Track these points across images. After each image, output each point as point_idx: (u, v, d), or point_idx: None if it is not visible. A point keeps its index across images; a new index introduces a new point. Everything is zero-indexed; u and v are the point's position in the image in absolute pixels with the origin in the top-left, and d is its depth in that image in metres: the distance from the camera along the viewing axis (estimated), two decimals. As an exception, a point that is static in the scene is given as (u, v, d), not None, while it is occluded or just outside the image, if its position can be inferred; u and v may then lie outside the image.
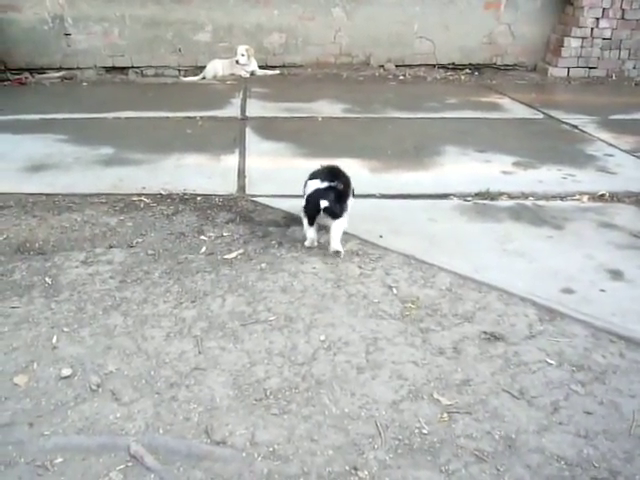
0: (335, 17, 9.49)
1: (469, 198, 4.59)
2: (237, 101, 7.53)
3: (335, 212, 3.51)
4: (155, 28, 9.26)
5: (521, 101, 7.73)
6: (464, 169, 5.18)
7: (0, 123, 6.38)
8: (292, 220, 4.17)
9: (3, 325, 3.06)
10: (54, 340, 2.96)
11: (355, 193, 3.93)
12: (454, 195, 4.64)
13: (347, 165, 4.82)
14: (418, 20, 9.60)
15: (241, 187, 4.70)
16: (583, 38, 9.25)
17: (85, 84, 8.66)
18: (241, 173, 4.96)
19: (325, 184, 3.53)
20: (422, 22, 9.60)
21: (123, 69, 9.43)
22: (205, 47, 9.48)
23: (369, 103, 7.45)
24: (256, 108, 7.15)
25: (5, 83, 8.68)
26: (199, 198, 4.49)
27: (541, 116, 7.04)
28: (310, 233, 3.70)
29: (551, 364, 2.87)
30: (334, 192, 3.50)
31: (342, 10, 9.47)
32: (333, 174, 3.63)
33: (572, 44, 9.33)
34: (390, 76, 9.40)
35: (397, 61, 9.76)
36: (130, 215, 4.22)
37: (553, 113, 7.09)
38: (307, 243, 3.78)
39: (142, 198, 4.46)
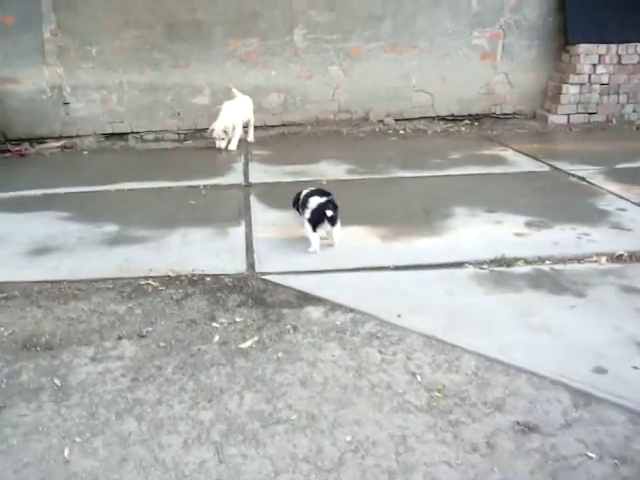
0: (332, 75, 9.51)
1: (485, 266, 4.47)
2: (239, 166, 7.48)
3: (336, 219, 4.60)
4: (153, 93, 9.26)
5: (524, 152, 7.67)
6: (476, 232, 5.07)
7: (1, 201, 6.25)
8: (305, 300, 4.05)
9: (12, 437, 2.91)
10: (66, 453, 2.81)
11: (368, 265, 4.37)
12: (469, 263, 4.52)
13: (357, 234, 4.79)
14: (415, 74, 9.61)
15: (250, 264, 4.57)
16: (581, 84, 9.25)
17: (85, 152, 8.62)
18: (249, 248, 4.85)
19: (324, 198, 4.56)
20: (419, 75, 9.61)
21: (123, 135, 9.41)
22: (204, 110, 9.48)
23: (372, 162, 7.39)
24: (259, 173, 7.09)
25: (6, 155, 8.60)
26: (208, 279, 4.36)
27: (547, 168, 6.97)
28: (316, 240, 4.70)
29: (592, 457, 2.71)
30: (332, 204, 4.54)
31: (339, 68, 9.49)
32: (324, 192, 4.69)
33: (570, 91, 9.34)
34: (390, 131, 9.37)
35: (396, 115, 9.73)
36: (138, 301, 4.10)
37: (558, 164, 7.02)
38: (313, 249, 4.71)
39: (150, 281, 4.33)
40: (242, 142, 8.67)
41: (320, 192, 4.67)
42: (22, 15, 8.79)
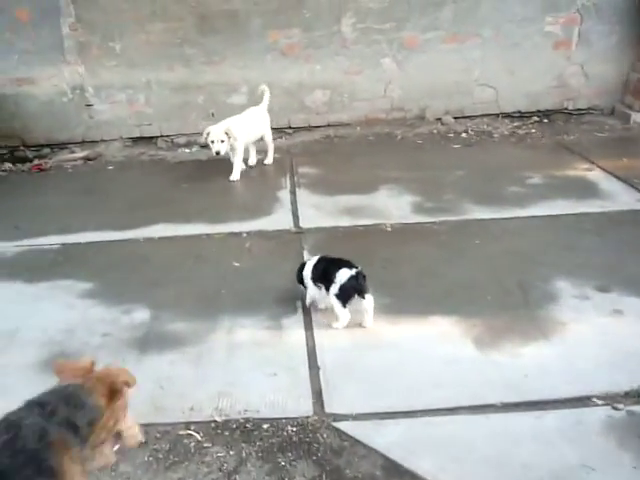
0: (385, 69, 8.22)
1: (620, 406, 3.31)
2: (285, 195, 6.34)
3: (368, 292, 4.04)
4: (184, 93, 8.06)
5: (616, 174, 6.43)
6: (592, 333, 3.97)
7: (13, 259, 5.25)
8: (397, 473, 2.95)
9: None
10: None
11: (468, 403, 3.44)
12: (597, 397, 3.38)
13: (441, 331, 3.89)
14: (478, 66, 8.29)
15: (317, 394, 3.52)
16: (671, 77, 7.81)
17: (111, 168, 7.51)
18: (312, 364, 3.76)
19: (354, 270, 3.99)
20: (483, 68, 8.27)
21: (151, 138, 8.22)
22: (240, 109, 8.20)
23: (439, 190, 6.31)
24: (309, 209, 5.95)
25: (24, 167, 7.51)
26: (265, 426, 3.31)
27: (650, 206, 5.68)
28: (347, 315, 4.11)
29: None
30: (363, 276, 4.00)
31: (392, 60, 8.18)
32: (346, 260, 4.10)
33: (658, 85, 7.89)
34: (451, 134, 8.09)
35: (455, 113, 8.44)
36: (176, 471, 3.03)
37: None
38: (344, 324, 4.13)
39: (192, 431, 3.27)
40: (285, 154, 7.43)
41: (344, 261, 4.10)
42: (38, 8, 7.61)
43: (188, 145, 8.30)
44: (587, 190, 6.11)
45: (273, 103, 8.04)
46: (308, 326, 4.19)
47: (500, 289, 4.50)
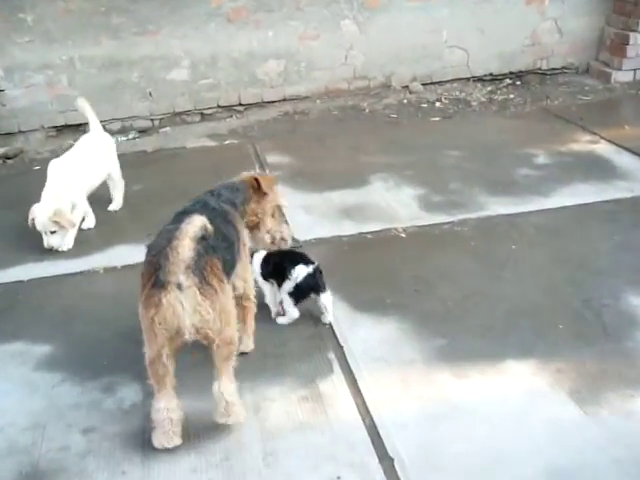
0: (345, 32, 7.10)
1: None
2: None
3: (325, 289, 3.57)
4: (115, 70, 6.70)
5: (625, 146, 5.61)
6: None
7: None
8: None
9: None
10: None
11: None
12: None
13: (524, 385, 3.12)
14: (447, 25, 7.32)
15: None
16: (651, 31, 7.06)
17: (37, 168, 6.06)
18: (382, 452, 2.80)
19: (311, 267, 3.53)
20: (452, 28, 7.32)
21: (79, 126, 6.78)
22: (183, 87, 6.98)
23: (441, 178, 5.37)
24: (298, 212, 4.87)
25: None
26: None
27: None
28: (296, 313, 3.62)
29: None
30: (320, 272, 3.55)
31: (353, 22, 7.07)
32: (300, 254, 3.69)
33: (639, 40, 7.12)
34: (423, 104, 7.11)
35: (424, 78, 7.44)
36: None
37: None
38: (290, 321, 3.64)
39: None
40: (242, 139, 6.22)
41: (299, 255, 3.67)
42: None
43: (124, 131, 6.95)
44: (605, 169, 5.30)
45: (219, 78, 6.79)
46: (353, 388, 3.13)
47: (567, 313, 3.61)
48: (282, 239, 3.42)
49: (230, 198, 3.13)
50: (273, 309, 3.72)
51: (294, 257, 3.63)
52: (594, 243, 4.27)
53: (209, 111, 7.11)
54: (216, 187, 3.18)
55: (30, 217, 4.40)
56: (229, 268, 2.84)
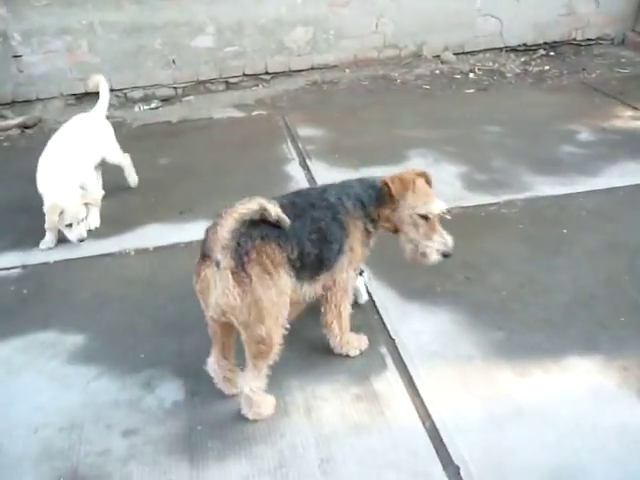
0: (375, 0, 6.64)
1: None
2: (297, 170, 4.98)
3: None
4: (137, 36, 6.35)
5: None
6: None
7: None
8: None
9: None
10: None
11: None
12: None
13: (589, 384, 2.89)
14: (481, -8, 6.83)
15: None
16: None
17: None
18: (446, 459, 2.61)
19: None
20: (486, -6, 6.84)
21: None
22: (208, 55, 6.65)
23: (482, 155, 5.09)
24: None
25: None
26: None
27: None
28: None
29: None
30: None
31: (385, -11, 6.63)
32: None
33: (679, 11, 6.75)
34: (457, 74, 6.77)
35: (455, 48, 7.09)
36: None
37: None
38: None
39: None
40: (271, 109, 5.98)
41: None
42: None
43: (146, 100, 6.64)
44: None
45: (246, 45, 6.46)
46: (410, 387, 2.91)
47: (627, 304, 3.39)
48: (422, 255, 2.82)
49: (359, 195, 2.80)
50: None
51: None
52: (651, 229, 3.99)
53: (234, 80, 6.80)
54: (351, 180, 2.89)
55: (53, 215, 3.91)
56: (313, 266, 2.66)
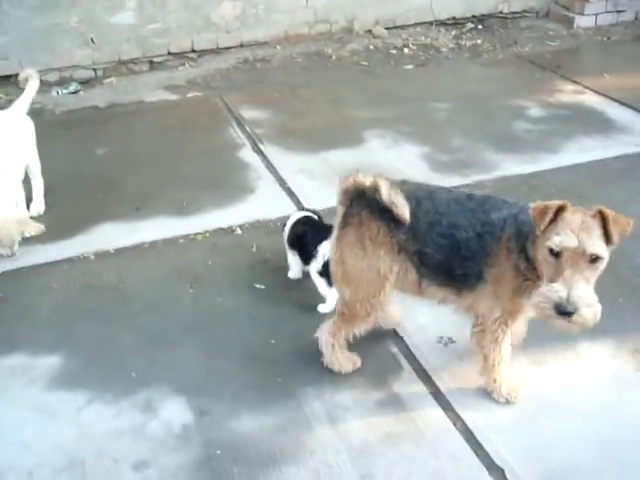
0: (306, -29, 6.43)
1: None
2: (252, 157, 4.71)
3: None
4: (51, 12, 5.90)
5: (611, 96, 5.47)
6: None
7: None
8: None
9: None
10: None
11: None
12: None
13: (608, 371, 2.93)
14: (411, -36, 6.75)
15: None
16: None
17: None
18: (488, 462, 2.54)
19: None
20: (416, -34, 6.76)
21: (9, 78, 5.91)
22: (129, 32, 6.23)
23: (440, 134, 5.00)
24: (299, 178, 4.39)
25: None
26: None
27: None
28: (335, 294, 2.91)
29: None
30: None
31: (313, -39, 6.41)
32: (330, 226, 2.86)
33: (603, -16, 6.96)
34: (391, 50, 6.68)
35: (386, 22, 7.01)
36: None
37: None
38: (332, 305, 3.04)
39: None
40: (206, 90, 5.78)
41: (324, 230, 3.11)
42: None
43: (62, 83, 6.11)
44: (602, 122, 5.14)
45: (169, 22, 6.07)
46: (431, 386, 2.81)
47: (620, 283, 3.40)
48: (534, 307, 2.19)
49: (524, 221, 2.33)
50: (291, 271, 3.45)
51: (319, 231, 3.23)
52: (621, 205, 4.02)
53: (159, 59, 6.38)
54: (524, 202, 2.40)
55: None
56: (436, 271, 2.51)
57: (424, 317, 3.18)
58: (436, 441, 2.56)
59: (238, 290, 3.36)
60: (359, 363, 2.83)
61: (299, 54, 6.53)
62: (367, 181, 2.41)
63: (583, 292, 2.06)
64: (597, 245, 2.08)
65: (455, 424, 2.64)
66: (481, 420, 2.65)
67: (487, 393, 2.74)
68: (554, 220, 2.13)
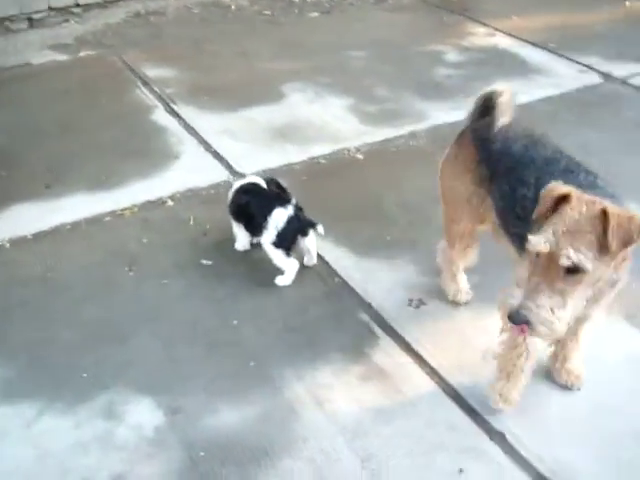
0: None
1: None
2: (167, 119, 4.34)
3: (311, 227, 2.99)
4: None
5: (522, 38, 5.52)
6: None
7: None
8: None
9: None
10: None
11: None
12: None
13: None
14: None
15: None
16: None
17: None
18: (487, 426, 2.42)
19: (290, 207, 2.95)
20: None
21: None
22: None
23: (361, 84, 4.82)
24: (223, 139, 4.11)
25: None
26: None
27: (597, 78, 4.90)
28: (294, 264, 3.00)
29: None
30: (300, 209, 2.99)
31: None
32: (276, 193, 3.03)
33: None
34: (294, -3, 6.32)
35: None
36: None
37: (595, 63, 5.11)
38: (291, 276, 3.01)
39: None
40: (100, 48, 5.34)
41: (271, 197, 3.00)
42: None
43: None
44: (518, 65, 5.18)
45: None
46: (412, 354, 2.72)
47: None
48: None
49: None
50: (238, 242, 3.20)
51: (269, 198, 3.01)
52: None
53: (39, 15, 5.76)
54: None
55: None
56: (508, 225, 2.37)
57: (386, 279, 3.02)
58: (429, 412, 2.45)
59: (184, 269, 3.06)
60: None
61: (195, 4, 6.10)
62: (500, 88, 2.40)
63: (543, 304, 1.79)
64: (577, 256, 1.75)
65: (445, 391, 2.53)
66: (469, 383, 2.55)
67: (470, 354, 2.62)
68: (555, 210, 1.86)
